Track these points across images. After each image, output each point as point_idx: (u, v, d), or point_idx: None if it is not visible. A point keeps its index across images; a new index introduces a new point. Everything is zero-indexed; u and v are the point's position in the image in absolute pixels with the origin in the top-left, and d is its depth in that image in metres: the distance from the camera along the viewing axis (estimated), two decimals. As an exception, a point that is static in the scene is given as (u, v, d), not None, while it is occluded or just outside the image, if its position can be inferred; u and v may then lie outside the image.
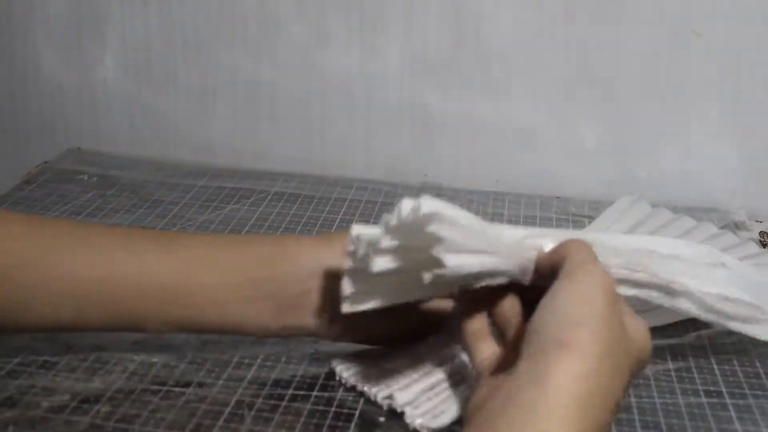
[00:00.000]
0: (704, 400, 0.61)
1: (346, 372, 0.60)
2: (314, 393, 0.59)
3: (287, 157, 1.01)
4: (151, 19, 0.99)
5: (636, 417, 0.58)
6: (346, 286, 0.53)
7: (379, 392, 0.58)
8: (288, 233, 0.83)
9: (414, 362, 0.60)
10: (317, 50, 0.97)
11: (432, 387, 0.58)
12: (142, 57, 1.01)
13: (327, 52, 0.97)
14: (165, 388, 0.59)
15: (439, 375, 0.59)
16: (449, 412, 0.56)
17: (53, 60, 1.03)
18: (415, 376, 0.59)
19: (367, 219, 0.86)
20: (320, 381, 0.60)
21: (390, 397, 0.57)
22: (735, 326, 0.62)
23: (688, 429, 0.58)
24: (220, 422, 0.56)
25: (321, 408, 0.58)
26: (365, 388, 0.59)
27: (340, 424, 0.56)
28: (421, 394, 0.57)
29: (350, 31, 0.95)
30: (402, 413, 0.56)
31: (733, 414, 0.59)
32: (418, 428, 0.55)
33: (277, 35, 0.97)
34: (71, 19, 1.01)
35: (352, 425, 0.56)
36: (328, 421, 0.57)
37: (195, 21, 0.98)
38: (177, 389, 0.59)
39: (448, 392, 0.57)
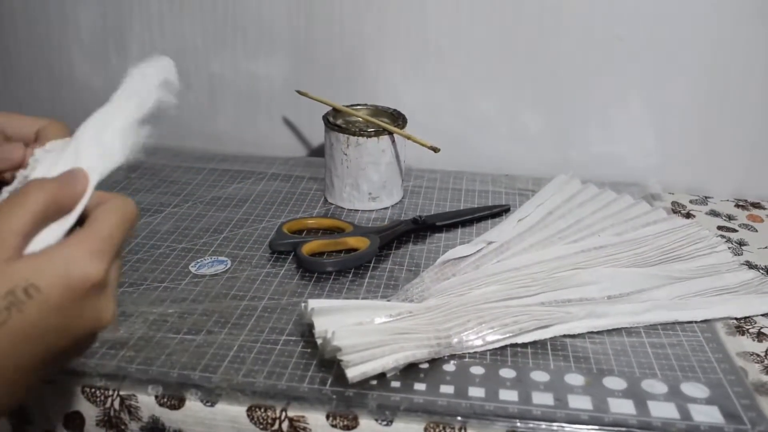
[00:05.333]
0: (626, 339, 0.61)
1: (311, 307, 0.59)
2: (303, 339, 0.59)
3: (280, 145, 1.00)
4: (165, 31, 0.98)
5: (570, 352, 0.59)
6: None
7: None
8: (282, 206, 0.83)
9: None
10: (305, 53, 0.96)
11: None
12: (159, 62, 1.00)
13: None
14: (179, 336, 0.59)
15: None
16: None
17: (84, 67, 1.02)
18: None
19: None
20: (308, 330, 0.60)
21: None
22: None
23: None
24: (225, 363, 0.56)
25: (309, 351, 0.58)
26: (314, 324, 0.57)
27: (325, 365, 0.56)
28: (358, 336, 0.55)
29: (332, 39, 0.95)
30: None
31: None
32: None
33: (270, 43, 0.96)
34: (99, 33, 1.00)
35: (335, 366, 0.56)
36: (314, 362, 0.57)
37: (203, 32, 0.97)
38: (189, 336, 0.59)
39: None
